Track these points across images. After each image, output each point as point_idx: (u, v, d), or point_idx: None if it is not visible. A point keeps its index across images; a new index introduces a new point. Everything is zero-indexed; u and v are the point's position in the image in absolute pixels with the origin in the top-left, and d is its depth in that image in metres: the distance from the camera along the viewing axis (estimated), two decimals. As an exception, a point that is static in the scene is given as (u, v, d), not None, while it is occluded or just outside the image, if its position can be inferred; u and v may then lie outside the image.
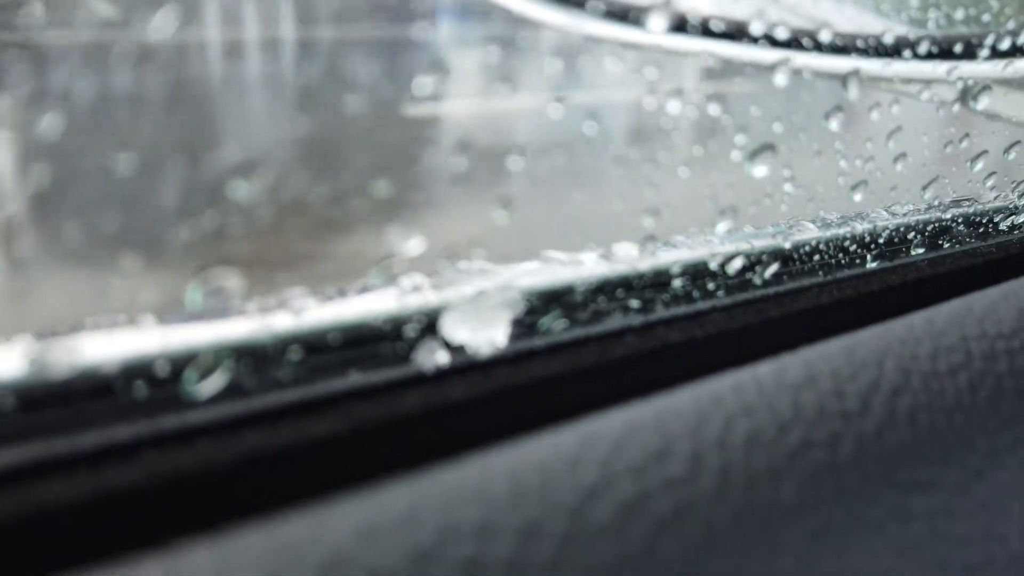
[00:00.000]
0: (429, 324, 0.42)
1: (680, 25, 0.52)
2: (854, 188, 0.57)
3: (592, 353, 0.44)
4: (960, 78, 0.62)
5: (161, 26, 0.38)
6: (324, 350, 0.39)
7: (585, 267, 0.48)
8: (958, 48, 0.64)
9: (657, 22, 0.48)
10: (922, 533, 0.42)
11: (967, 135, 0.62)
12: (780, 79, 0.50)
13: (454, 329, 0.42)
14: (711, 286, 0.51)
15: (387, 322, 0.41)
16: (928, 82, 0.62)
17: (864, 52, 0.60)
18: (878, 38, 0.61)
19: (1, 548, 0.30)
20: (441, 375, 0.41)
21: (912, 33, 0.64)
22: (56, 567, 0.30)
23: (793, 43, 0.55)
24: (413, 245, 0.42)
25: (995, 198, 0.67)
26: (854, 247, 0.58)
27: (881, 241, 0.60)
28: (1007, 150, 0.65)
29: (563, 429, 0.38)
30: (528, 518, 0.33)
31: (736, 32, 0.54)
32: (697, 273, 0.51)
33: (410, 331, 0.41)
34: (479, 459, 0.35)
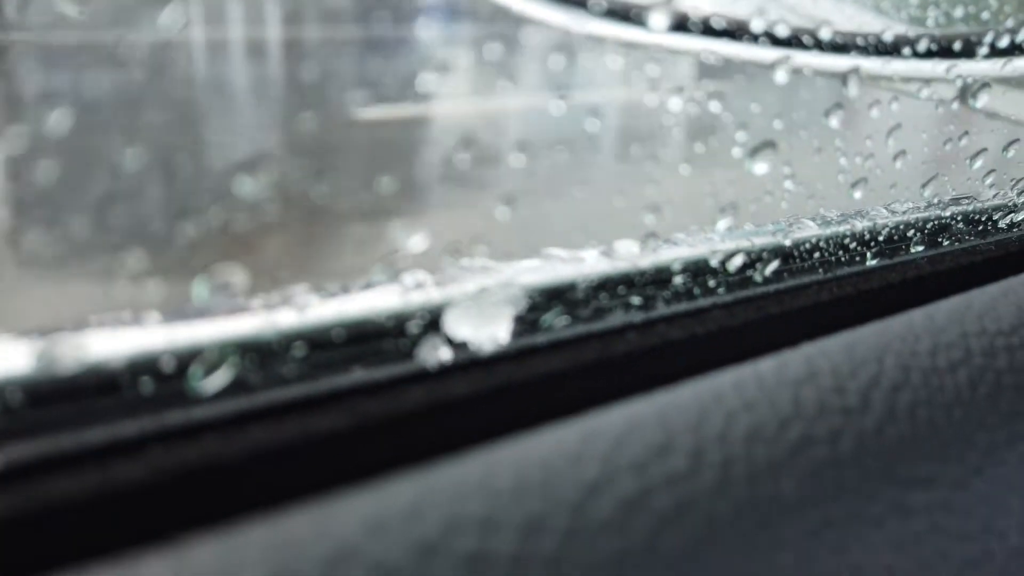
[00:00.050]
0: (432, 321, 0.42)
1: (681, 24, 0.52)
2: (854, 186, 0.58)
3: (594, 350, 0.44)
4: (959, 76, 0.62)
5: (167, 24, 0.38)
6: (328, 346, 0.40)
7: (586, 264, 0.48)
8: (957, 46, 0.64)
9: (658, 21, 0.49)
10: (922, 528, 0.42)
11: (966, 133, 0.62)
12: (780, 77, 0.51)
13: (457, 326, 0.42)
14: (712, 283, 0.51)
15: (390, 319, 0.41)
16: (927, 80, 0.62)
17: (864, 50, 0.61)
18: (878, 36, 0.61)
19: (9, 543, 0.30)
20: (444, 371, 0.41)
21: (911, 31, 0.65)
22: (63, 562, 0.30)
23: (793, 41, 0.55)
24: (416, 242, 0.43)
25: (994, 196, 0.68)
26: (854, 244, 0.58)
27: (881, 239, 0.60)
28: (1006, 148, 0.66)
29: (565, 425, 0.38)
30: (531, 513, 0.33)
31: (736, 30, 0.54)
32: (698, 270, 0.51)
33: (413, 327, 0.42)
34: (482, 454, 0.36)
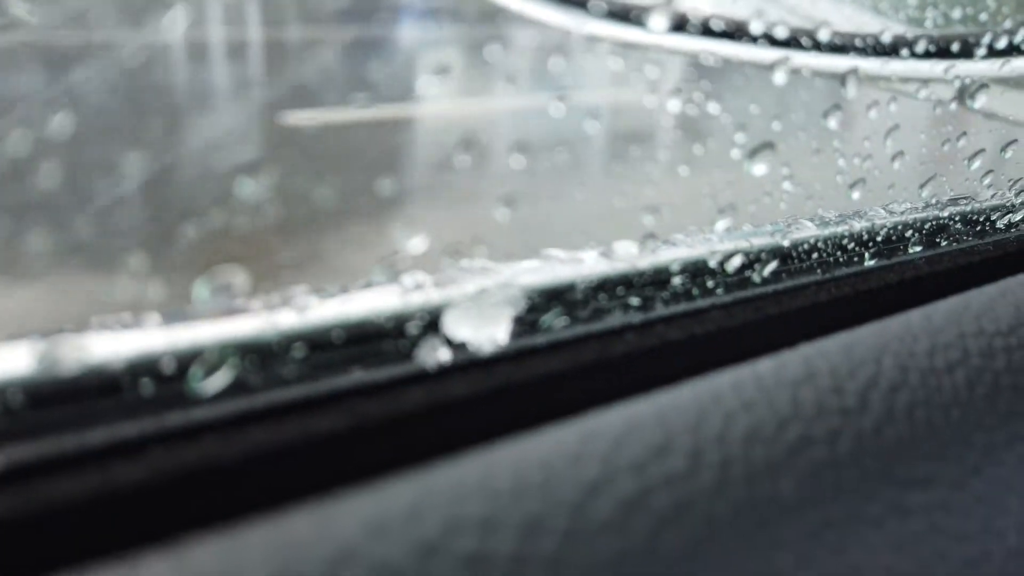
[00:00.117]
0: (431, 322, 0.42)
1: (680, 25, 0.52)
2: (852, 186, 0.58)
3: (593, 350, 0.45)
4: (957, 77, 0.62)
5: (171, 25, 0.38)
6: (328, 347, 0.40)
7: (585, 265, 0.48)
8: (955, 47, 0.64)
9: (658, 22, 0.49)
10: (920, 528, 0.42)
11: (964, 134, 0.62)
12: (779, 78, 0.51)
13: (456, 327, 0.43)
14: (710, 284, 0.51)
15: (390, 320, 0.41)
16: (925, 81, 0.62)
17: (862, 51, 0.61)
18: (876, 37, 0.61)
19: (10, 544, 0.30)
20: (443, 372, 0.41)
21: (910, 32, 0.65)
22: (64, 563, 0.30)
23: (792, 42, 0.55)
24: (416, 243, 0.43)
25: (992, 196, 0.68)
26: (852, 245, 0.59)
27: (879, 239, 0.60)
28: (1004, 148, 0.66)
29: (564, 425, 0.38)
30: (531, 513, 0.33)
31: (736, 32, 0.54)
32: (696, 271, 0.51)
33: (412, 328, 0.42)
34: (482, 455, 0.36)
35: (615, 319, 0.48)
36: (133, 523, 0.32)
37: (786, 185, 0.54)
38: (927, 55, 0.63)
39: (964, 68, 0.63)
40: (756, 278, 0.53)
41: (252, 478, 0.34)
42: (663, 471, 0.37)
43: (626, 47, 0.57)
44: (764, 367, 0.44)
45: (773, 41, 0.54)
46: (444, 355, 0.42)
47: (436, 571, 0.31)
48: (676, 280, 0.50)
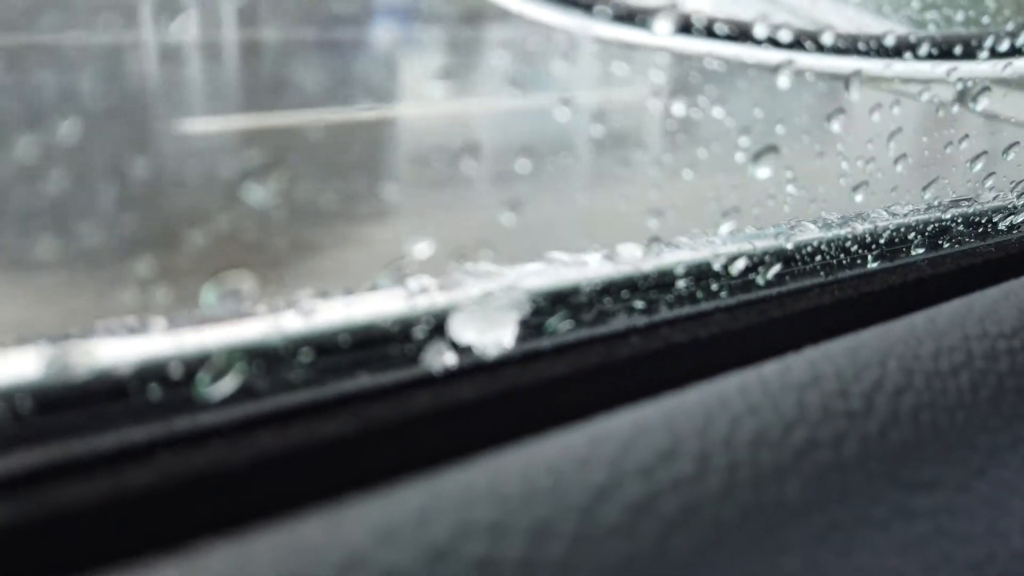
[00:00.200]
0: (437, 325, 0.42)
1: (684, 27, 0.52)
2: (855, 189, 0.58)
3: (598, 354, 0.45)
4: (960, 79, 0.62)
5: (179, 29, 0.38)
6: (334, 351, 0.40)
7: (590, 268, 0.48)
8: (958, 49, 0.64)
9: (662, 25, 0.49)
10: (925, 531, 0.42)
11: (967, 136, 0.63)
12: (783, 81, 0.51)
13: (462, 330, 0.43)
14: (714, 287, 0.52)
15: (395, 323, 0.41)
16: (928, 82, 0.62)
17: (865, 53, 0.61)
18: (879, 39, 0.61)
19: (19, 549, 0.30)
20: (449, 376, 0.41)
21: (912, 34, 0.65)
22: (71, 568, 0.30)
23: (796, 45, 0.55)
24: (422, 248, 0.43)
25: (994, 198, 0.68)
26: (855, 247, 0.59)
27: (882, 241, 0.60)
28: (1006, 151, 0.66)
29: (572, 429, 0.38)
30: (539, 518, 0.33)
31: (740, 34, 0.54)
32: (700, 274, 0.51)
33: (418, 332, 0.42)
34: (490, 459, 0.36)
35: (620, 322, 0.48)
36: (141, 528, 0.32)
37: (790, 188, 0.54)
38: (929, 57, 0.63)
39: (966, 69, 0.63)
40: (760, 281, 0.53)
41: (260, 483, 0.34)
42: (671, 475, 0.37)
43: (629, 48, 0.57)
44: (769, 370, 0.44)
45: (777, 44, 0.54)
46: (450, 359, 0.42)
47: None
48: (680, 283, 0.50)
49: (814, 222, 0.58)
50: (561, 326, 0.46)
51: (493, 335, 0.43)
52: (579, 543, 0.33)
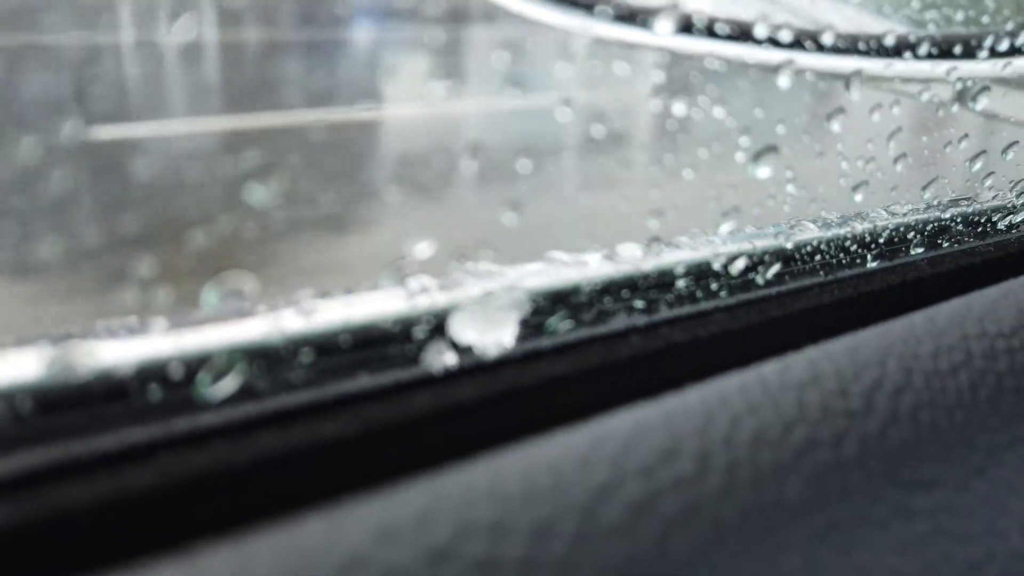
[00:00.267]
0: (437, 325, 0.42)
1: (685, 27, 0.52)
2: (855, 188, 0.58)
3: (598, 353, 0.45)
4: (959, 78, 0.63)
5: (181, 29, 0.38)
6: (334, 352, 0.40)
7: (590, 268, 0.48)
8: (957, 49, 0.64)
9: (663, 25, 0.49)
10: (925, 530, 0.42)
11: (966, 135, 0.63)
12: (783, 80, 0.51)
13: (462, 330, 0.43)
14: (714, 286, 0.52)
15: (396, 324, 0.41)
16: (928, 82, 0.62)
17: (865, 53, 0.61)
18: (879, 39, 0.61)
19: (19, 550, 0.30)
20: (450, 376, 0.41)
21: (912, 34, 0.65)
22: (72, 569, 0.30)
23: (796, 45, 0.55)
24: (423, 248, 0.43)
25: (993, 197, 0.68)
26: (855, 247, 0.59)
27: (881, 241, 0.60)
28: (1005, 150, 0.66)
29: (572, 429, 0.38)
30: (540, 517, 0.33)
31: (740, 34, 0.55)
32: (700, 273, 0.51)
33: (419, 332, 0.42)
34: (490, 459, 0.36)
35: (620, 322, 0.48)
36: (141, 529, 0.32)
37: (790, 188, 0.54)
38: (929, 56, 0.63)
39: (966, 69, 0.63)
40: (760, 280, 0.53)
41: (260, 483, 0.35)
42: (671, 475, 0.37)
43: (630, 48, 0.57)
44: (769, 370, 0.44)
45: (777, 43, 0.54)
46: (450, 359, 0.42)
47: None
48: (680, 283, 0.50)
49: (814, 221, 0.58)
50: (561, 326, 0.46)
51: (493, 335, 0.43)
52: (580, 543, 0.33)
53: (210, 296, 0.38)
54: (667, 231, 0.50)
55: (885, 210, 0.63)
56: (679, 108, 0.48)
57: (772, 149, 0.51)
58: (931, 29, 0.77)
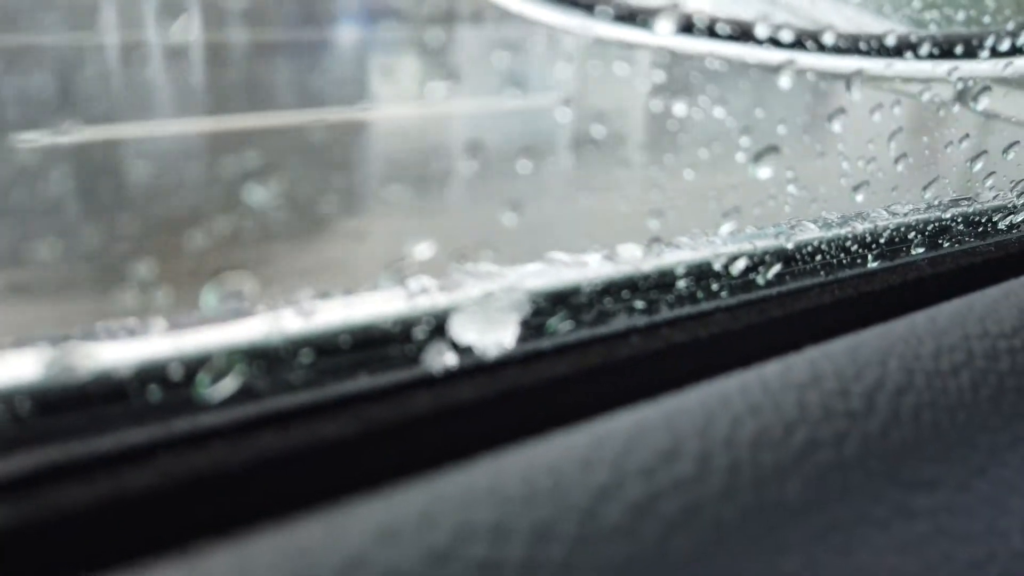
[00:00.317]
0: (437, 326, 0.42)
1: (686, 27, 0.52)
2: (856, 189, 0.58)
3: (598, 354, 0.45)
4: (960, 78, 0.62)
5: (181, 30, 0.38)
6: (334, 352, 0.40)
7: (590, 268, 0.48)
8: (958, 48, 0.64)
9: (664, 25, 0.49)
10: (926, 530, 0.42)
11: (967, 135, 0.62)
12: (784, 80, 0.51)
13: (462, 331, 0.43)
14: (715, 287, 0.52)
15: (396, 324, 0.41)
16: (928, 82, 0.62)
17: (866, 53, 0.61)
18: (880, 39, 0.61)
19: (18, 551, 0.30)
20: (450, 376, 0.41)
21: (912, 34, 0.65)
22: (73, 570, 0.30)
23: (797, 45, 0.55)
24: (423, 249, 0.43)
25: (994, 197, 0.68)
26: (855, 247, 0.59)
27: (882, 241, 0.60)
28: (1006, 150, 0.66)
29: (573, 430, 0.38)
30: (541, 519, 0.33)
31: (741, 34, 0.54)
32: (701, 274, 0.51)
33: (419, 333, 0.42)
34: (491, 460, 0.36)
35: (620, 322, 0.48)
36: (141, 529, 0.32)
37: (790, 188, 0.54)
38: (930, 56, 0.63)
39: (967, 69, 0.63)
40: (760, 280, 0.53)
41: (260, 484, 0.34)
42: (672, 475, 0.37)
43: (630, 48, 0.57)
44: (770, 370, 0.44)
45: (778, 43, 0.54)
46: (450, 359, 0.41)
47: None
48: (680, 283, 0.50)
49: (815, 222, 0.58)
50: (562, 326, 0.46)
51: (494, 335, 0.43)
52: (580, 544, 0.33)
53: (209, 297, 0.38)
54: (667, 231, 0.50)
55: (886, 210, 0.63)
56: (679, 108, 0.48)
57: (773, 149, 0.51)
58: (932, 29, 0.77)
